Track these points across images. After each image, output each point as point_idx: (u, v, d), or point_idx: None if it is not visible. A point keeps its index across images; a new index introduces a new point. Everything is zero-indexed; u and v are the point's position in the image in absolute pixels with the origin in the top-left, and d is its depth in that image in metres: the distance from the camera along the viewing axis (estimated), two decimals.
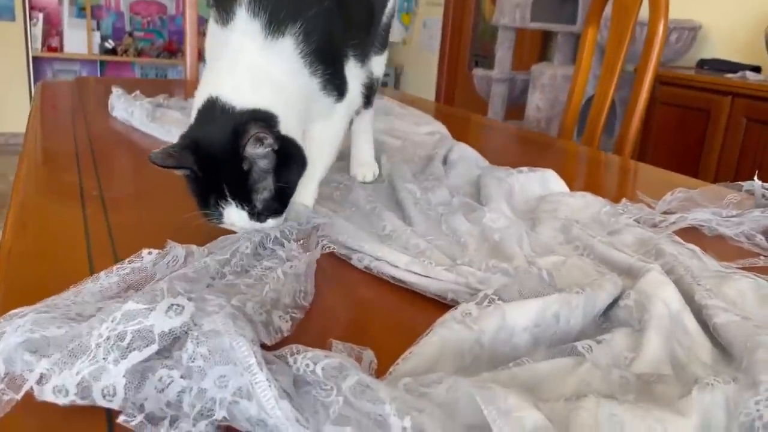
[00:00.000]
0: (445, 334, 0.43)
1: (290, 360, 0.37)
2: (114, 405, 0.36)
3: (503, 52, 3.20)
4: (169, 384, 0.36)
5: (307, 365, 0.36)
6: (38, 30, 4.33)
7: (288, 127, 0.63)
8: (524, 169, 0.93)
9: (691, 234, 0.79)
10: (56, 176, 0.88)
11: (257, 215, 0.62)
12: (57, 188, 0.82)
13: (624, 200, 0.85)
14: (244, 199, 0.61)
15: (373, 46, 0.89)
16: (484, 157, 1.03)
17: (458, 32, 4.50)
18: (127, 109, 1.21)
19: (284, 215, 0.65)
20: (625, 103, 2.73)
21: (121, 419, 0.35)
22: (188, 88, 1.90)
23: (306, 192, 0.72)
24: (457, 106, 4.55)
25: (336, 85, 0.72)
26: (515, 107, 3.38)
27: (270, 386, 0.34)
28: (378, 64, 0.94)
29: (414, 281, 0.56)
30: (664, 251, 0.64)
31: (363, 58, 0.80)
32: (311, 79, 0.68)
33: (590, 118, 1.65)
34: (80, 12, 4.48)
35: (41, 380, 0.36)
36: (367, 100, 0.94)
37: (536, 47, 4.00)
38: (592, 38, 1.74)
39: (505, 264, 0.56)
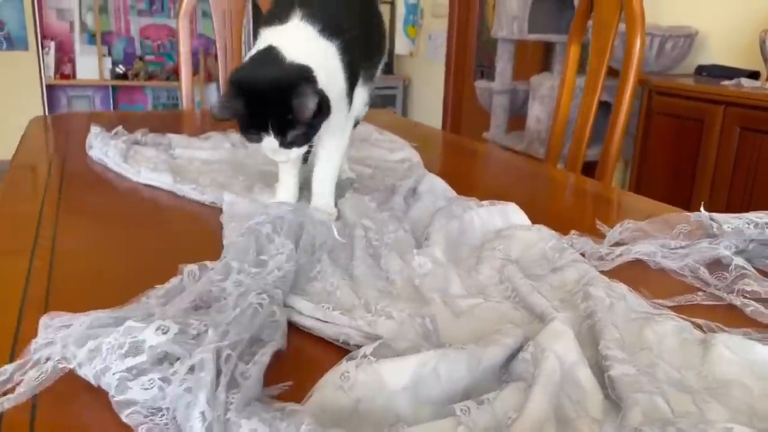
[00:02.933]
0: (322, 403, 0.44)
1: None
2: (113, 393, 0.46)
3: (503, 64, 3.20)
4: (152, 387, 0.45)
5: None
6: (51, 58, 4.43)
7: (321, 82, 0.78)
8: (485, 203, 0.93)
9: (636, 267, 0.79)
10: (16, 221, 0.90)
11: (287, 145, 0.78)
12: (12, 235, 0.85)
13: (573, 233, 0.85)
14: (281, 132, 0.77)
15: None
16: (462, 186, 1.03)
17: (463, 44, 4.50)
18: (102, 148, 1.24)
19: (305, 148, 0.81)
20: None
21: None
22: (186, 120, 1.92)
23: (325, 194, 0.91)
24: (464, 117, 4.55)
25: (350, 98, 0.89)
26: (518, 118, 3.37)
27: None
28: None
29: (310, 325, 0.58)
30: (590, 294, 0.64)
31: (367, 81, 0.96)
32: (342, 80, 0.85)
33: (573, 138, 1.64)
34: (91, 38, 4.58)
35: (79, 366, 0.48)
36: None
37: (538, 58, 3.98)
38: (575, 55, 1.73)
39: (390, 308, 0.57)
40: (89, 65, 4.55)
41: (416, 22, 4.94)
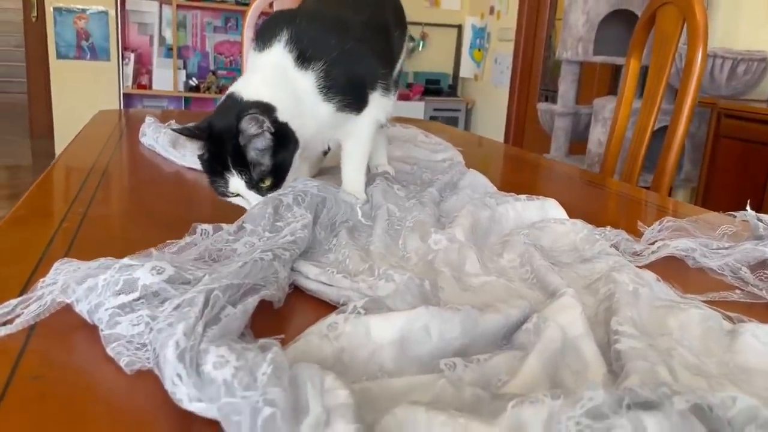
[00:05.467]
0: (305, 349, 0.43)
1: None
2: (103, 328, 0.47)
3: (566, 86, 3.15)
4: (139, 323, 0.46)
5: None
6: (130, 69, 4.65)
7: (286, 116, 0.75)
8: (522, 197, 0.91)
9: (673, 264, 0.74)
10: (57, 190, 0.94)
11: (256, 186, 0.75)
12: (49, 202, 0.88)
13: (608, 227, 0.81)
14: (243, 169, 0.74)
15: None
16: (508, 186, 1.01)
17: (528, 67, 4.46)
18: (153, 136, 1.28)
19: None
20: (693, 138, 2.61)
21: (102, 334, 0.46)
22: None
23: (356, 181, 0.89)
24: (526, 139, 4.49)
25: (353, 107, 0.85)
26: (581, 141, 3.29)
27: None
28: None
29: (314, 288, 0.57)
30: (614, 278, 0.60)
31: (387, 88, 0.92)
32: (325, 104, 0.81)
33: (629, 152, 1.59)
34: (168, 52, 4.79)
35: (77, 302, 0.49)
36: None
37: (606, 82, 3.90)
38: (635, 70, 1.68)
39: (391, 271, 0.55)
40: (165, 77, 4.75)
41: (482, 45, 4.94)
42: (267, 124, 0.71)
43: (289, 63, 0.79)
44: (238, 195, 0.77)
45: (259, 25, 0.87)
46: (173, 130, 0.75)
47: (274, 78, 0.79)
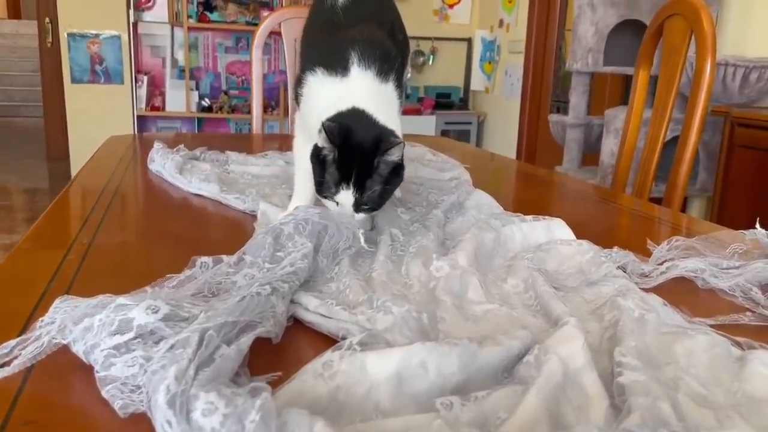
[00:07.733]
0: (300, 389, 0.42)
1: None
2: (98, 369, 0.46)
3: (577, 97, 3.13)
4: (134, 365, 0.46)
5: None
6: (143, 91, 4.71)
7: None
8: (528, 217, 0.90)
9: (682, 285, 0.73)
10: (63, 220, 0.94)
11: (359, 205, 0.77)
12: (55, 232, 0.89)
13: (615, 248, 0.80)
14: (360, 187, 0.75)
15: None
16: (515, 205, 1.01)
17: (539, 79, 4.45)
18: (160, 162, 1.28)
19: (372, 216, 0.82)
20: (707, 147, 2.58)
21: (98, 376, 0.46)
22: (254, 142, 1.99)
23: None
24: (539, 151, 4.47)
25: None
26: (593, 152, 3.27)
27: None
28: None
29: (313, 320, 0.57)
30: (619, 304, 0.59)
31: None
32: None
33: (641, 164, 1.57)
34: (181, 74, 4.84)
35: (73, 342, 0.49)
36: None
37: (618, 92, 3.88)
38: (644, 80, 1.67)
39: (390, 303, 0.54)
40: (178, 98, 4.80)
41: (493, 58, 4.94)
42: (402, 154, 0.76)
43: (376, 83, 0.82)
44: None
45: (313, 50, 0.88)
46: (327, 130, 0.74)
47: (384, 104, 0.81)
